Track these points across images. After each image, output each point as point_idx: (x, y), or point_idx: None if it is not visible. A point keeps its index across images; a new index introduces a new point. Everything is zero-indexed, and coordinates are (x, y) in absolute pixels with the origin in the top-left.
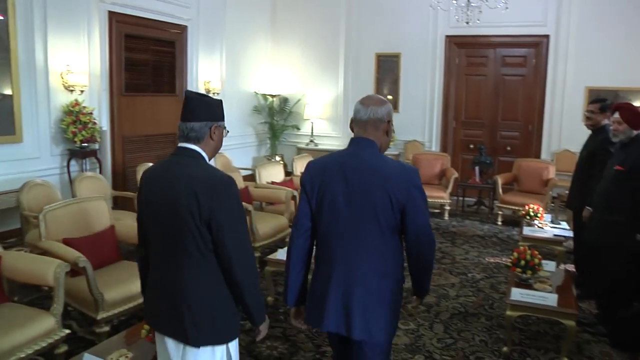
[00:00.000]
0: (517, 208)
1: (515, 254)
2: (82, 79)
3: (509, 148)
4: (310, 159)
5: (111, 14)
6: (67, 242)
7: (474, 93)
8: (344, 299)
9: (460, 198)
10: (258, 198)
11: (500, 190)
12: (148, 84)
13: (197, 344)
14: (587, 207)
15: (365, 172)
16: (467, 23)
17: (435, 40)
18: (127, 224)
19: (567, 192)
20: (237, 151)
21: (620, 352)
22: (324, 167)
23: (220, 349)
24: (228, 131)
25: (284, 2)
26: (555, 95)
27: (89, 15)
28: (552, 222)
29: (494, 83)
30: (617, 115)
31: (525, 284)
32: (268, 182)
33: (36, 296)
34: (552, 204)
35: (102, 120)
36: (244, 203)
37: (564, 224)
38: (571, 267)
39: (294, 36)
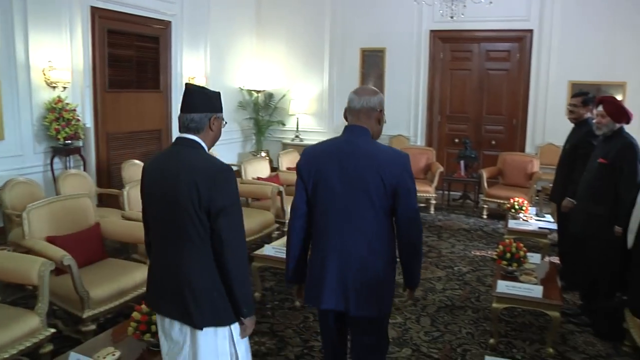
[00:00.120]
0: (502, 201)
1: (501, 247)
2: (64, 75)
3: (493, 142)
4: (296, 154)
5: (93, 9)
6: (51, 240)
7: (458, 87)
8: (340, 278)
9: (446, 192)
10: (244, 194)
11: (486, 184)
12: (132, 80)
13: (201, 326)
14: (568, 198)
15: (359, 157)
16: (452, 17)
17: (420, 35)
18: (113, 221)
19: (551, 185)
20: (222, 147)
21: (603, 342)
22: (319, 153)
23: (222, 331)
24: (226, 122)
25: None
26: (539, 90)
27: (71, 11)
28: (536, 215)
29: (479, 77)
30: (600, 108)
31: (510, 277)
32: (254, 178)
33: (20, 295)
34: (537, 197)
35: (86, 117)
36: None
37: (549, 217)
38: (556, 259)
39: (278, 31)
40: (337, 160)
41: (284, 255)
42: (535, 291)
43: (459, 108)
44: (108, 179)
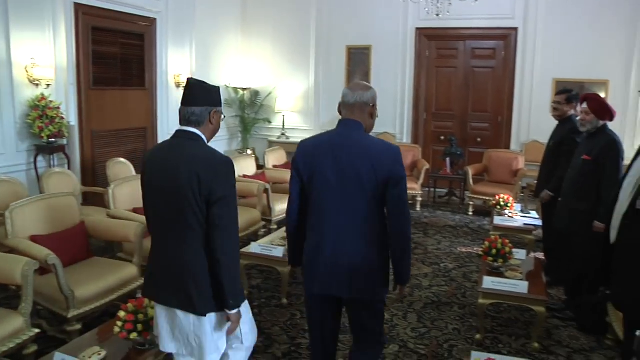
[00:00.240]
0: (487, 198)
1: (487, 243)
2: (48, 72)
3: (479, 139)
4: (282, 152)
5: (77, 6)
6: (35, 239)
7: (444, 85)
8: (334, 264)
9: (432, 189)
10: None
11: (471, 181)
12: (117, 77)
13: (204, 312)
14: (546, 190)
15: (353, 149)
16: (438, 15)
17: (406, 33)
18: (98, 220)
19: (536, 182)
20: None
21: (587, 335)
22: (314, 146)
23: (221, 314)
24: (225, 116)
25: None
26: (523, 87)
27: (54, 7)
28: (522, 211)
29: (464, 75)
30: (585, 105)
31: (496, 273)
32: (240, 176)
33: (3, 296)
34: (522, 194)
35: (70, 115)
36: None
37: (534, 213)
38: (541, 255)
39: (264, 29)
40: (331, 152)
41: (270, 253)
42: (521, 287)
43: (444, 105)
44: (93, 177)
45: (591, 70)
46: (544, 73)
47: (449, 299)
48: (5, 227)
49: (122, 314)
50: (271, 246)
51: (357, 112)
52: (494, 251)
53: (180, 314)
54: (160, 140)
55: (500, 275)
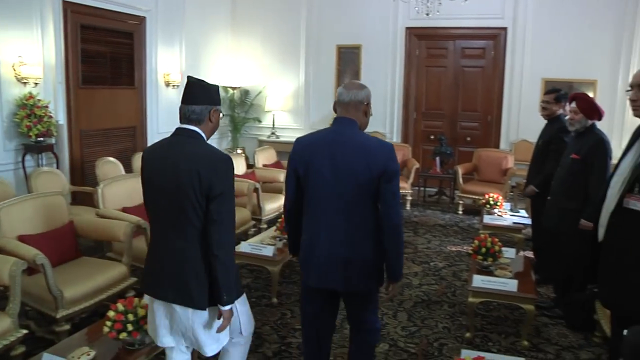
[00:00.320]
0: (477, 197)
1: (476, 242)
2: (36, 70)
3: (468, 138)
4: (272, 151)
5: (66, 4)
6: (23, 239)
7: (434, 84)
8: (331, 258)
9: (422, 188)
10: None
11: (461, 180)
12: (106, 76)
13: (204, 307)
14: (531, 185)
15: (349, 146)
16: (427, 15)
17: (396, 32)
18: (87, 219)
19: (525, 180)
20: None
21: (575, 333)
22: (310, 143)
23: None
24: (224, 114)
25: None
26: (513, 87)
27: (42, 5)
28: (511, 210)
29: (454, 74)
30: (574, 105)
31: (486, 271)
32: None
33: None
34: (511, 193)
35: (59, 114)
36: None
37: (523, 212)
38: (530, 254)
39: (254, 28)
40: (327, 149)
41: (260, 252)
42: (510, 285)
43: (434, 105)
44: (82, 176)
45: (579, 70)
46: (533, 73)
47: (439, 298)
48: None
49: (111, 313)
50: (261, 245)
51: (351, 110)
52: (483, 250)
53: (178, 308)
54: (149, 140)
55: (489, 273)
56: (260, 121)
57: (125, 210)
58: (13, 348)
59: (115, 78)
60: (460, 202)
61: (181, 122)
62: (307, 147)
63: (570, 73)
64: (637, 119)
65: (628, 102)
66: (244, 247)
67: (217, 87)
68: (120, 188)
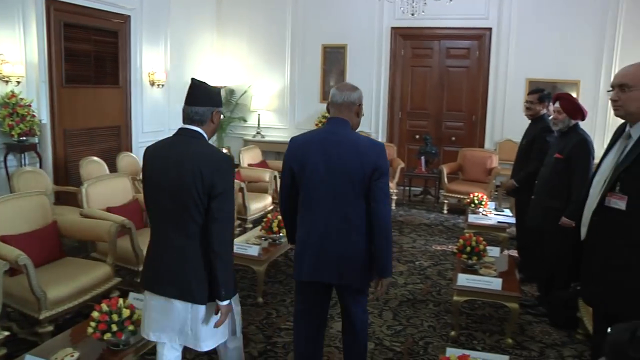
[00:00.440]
0: (462, 196)
1: (461, 241)
2: (18, 69)
3: (453, 138)
4: (257, 150)
5: (48, 2)
6: (5, 239)
7: (419, 84)
8: (325, 252)
9: (407, 188)
10: None
11: (446, 180)
12: (90, 75)
13: (204, 302)
14: (513, 180)
15: (342, 145)
16: (413, 15)
17: (381, 32)
18: (71, 219)
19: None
20: None
21: (559, 331)
22: (305, 142)
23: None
24: (224, 115)
25: None
26: (497, 87)
27: (24, 2)
28: (495, 209)
29: (439, 74)
30: (557, 105)
31: (471, 270)
32: None
33: None
34: (496, 192)
35: (42, 113)
36: None
37: (507, 211)
38: (514, 253)
39: (239, 27)
40: (322, 148)
41: (245, 252)
42: (495, 284)
43: (419, 104)
44: (66, 176)
45: (563, 71)
46: (517, 73)
47: (424, 297)
48: None
49: (95, 314)
50: (246, 245)
51: (344, 111)
52: (468, 249)
53: (178, 303)
54: (134, 139)
55: (474, 272)
56: (245, 120)
57: (109, 210)
58: None
59: (99, 77)
60: (445, 201)
61: (184, 122)
62: (302, 146)
63: (553, 73)
64: (618, 118)
65: (610, 102)
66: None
67: (219, 89)
68: (105, 188)
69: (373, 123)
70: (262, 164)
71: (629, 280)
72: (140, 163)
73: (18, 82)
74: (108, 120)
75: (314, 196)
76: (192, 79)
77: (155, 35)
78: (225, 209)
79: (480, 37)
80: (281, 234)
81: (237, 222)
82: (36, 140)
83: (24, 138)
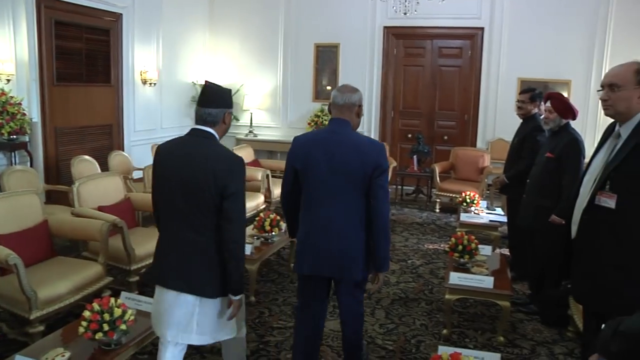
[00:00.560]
0: (454, 195)
1: (453, 240)
2: (8, 67)
3: (445, 137)
4: (250, 149)
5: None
6: None
7: (411, 83)
8: (327, 247)
9: (399, 187)
10: None
11: (438, 179)
12: (81, 73)
13: (215, 296)
14: (504, 176)
15: (344, 145)
16: (405, 14)
17: (374, 31)
18: (62, 218)
19: None
20: None
21: (550, 328)
22: (308, 141)
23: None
24: (234, 117)
25: None
26: (489, 86)
27: (14, 0)
28: (487, 208)
29: (431, 74)
30: (548, 104)
31: (463, 268)
32: None
33: None
34: (488, 191)
35: (32, 111)
36: None
37: (499, 210)
38: (506, 251)
39: (232, 26)
40: (324, 147)
41: None
42: (487, 282)
43: (411, 104)
44: (57, 175)
45: (554, 70)
46: (509, 72)
47: (416, 295)
48: None
49: (87, 313)
50: None
51: (345, 111)
52: (460, 247)
53: (187, 297)
54: (126, 138)
55: (466, 271)
56: (237, 119)
57: (101, 209)
58: None
59: (90, 75)
60: (438, 200)
61: (197, 123)
62: (305, 144)
63: (545, 73)
64: (609, 118)
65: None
66: None
67: (230, 91)
68: (96, 186)
69: (365, 122)
70: (255, 163)
71: (619, 278)
72: (132, 162)
73: (8, 80)
74: (100, 119)
75: (317, 193)
76: (206, 81)
77: (147, 34)
78: (238, 209)
79: (473, 37)
80: (273, 233)
81: None
82: (27, 138)
83: (14, 136)
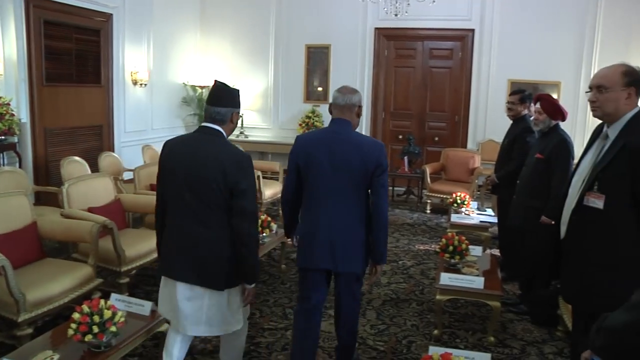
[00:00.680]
0: (444, 196)
1: (444, 241)
2: None
3: (436, 138)
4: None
5: None
6: None
7: (402, 84)
8: (329, 242)
9: (390, 187)
10: None
11: (429, 180)
12: (71, 73)
13: (223, 288)
14: (494, 175)
15: (346, 144)
16: (396, 15)
17: (365, 32)
18: (51, 219)
19: None
20: None
21: (540, 328)
22: (311, 139)
23: (237, 289)
24: (241, 116)
25: None
26: (480, 87)
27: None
28: (478, 209)
29: (422, 75)
30: (538, 105)
31: (453, 269)
32: None
33: None
34: (478, 192)
35: (21, 112)
36: None
37: (489, 211)
38: (496, 252)
39: (223, 27)
40: (327, 146)
41: None
42: (477, 282)
43: (402, 105)
44: (46, 176)
45: (544, 72)
46: (499, 74)
47: (407, 296)
48: None
49: (76, 315)
50: None
51: (346, 112)
52: (450, 248)
53: (198, 290)
54: (117, 139)
55: (457, 271)
56: None
57: (91, 210)
58: None
59: (81, 76)
60: (428, 201)
61: (205, 121)
62: (308, 143)
63: (535, 75)
64: (597, 119)
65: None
66: None
67: (238, 91)
68: (86, 188)
69: None
70: None
71: (607, 278)
72: (123, 163)
73: None
74: (90, 120)
75: (319, 190)
76: (215, 81)
77: (138, 34)
78: (252, 204)
79: (463, 38)
80: (264, 234)
81: None
82: (15, 139)
83: (3, 137)
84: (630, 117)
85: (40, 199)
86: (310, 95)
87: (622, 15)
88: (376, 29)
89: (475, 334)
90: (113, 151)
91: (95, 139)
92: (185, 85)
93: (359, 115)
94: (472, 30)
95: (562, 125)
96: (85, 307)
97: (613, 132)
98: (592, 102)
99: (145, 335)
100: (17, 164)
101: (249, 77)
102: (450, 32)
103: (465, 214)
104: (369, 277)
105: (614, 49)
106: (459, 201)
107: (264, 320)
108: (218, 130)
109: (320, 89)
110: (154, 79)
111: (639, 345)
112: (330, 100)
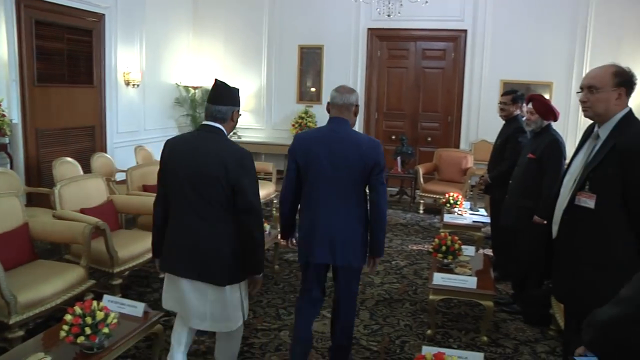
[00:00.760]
0: (437, 196)
1: (437, 241)
2: None
3: (429, 139)
4: None
5: None
6: None
7: (395, 85)
8: (328, 237)
9: None
10: None
11: (422, 180)
12: (63, 74)
13: (225, 284)
14: (487, 175)
15: (345, 142)
16: (389, 16)
17: (358, 33)
18: (43, 221)
19: None
20: (158, 144)
21: (532, 328)
22: (311, 138)
23: (237, 286)
24: (241, 114)
25: None
26: (472, 88)
27: None
28: (471, 209)
29: (415, 75)
30: (530, 106)
31: (446, 269)
32: None
33: None
34: (471, 192)
35: (13, 112)
36: None
37: (482, 211)
38: (489, 252)
39: (216, 27)
40: (326, 144)
41: None
42: (470, 282)
43: (395, 105)
44: (38, 177)
45: (536, 72)
46: (492, 74)
47: (400, 296)
48: None
49: (68, 317)
50: None
51: (344, 111)
52: (443, 248)
53: (201, 285)
54: (109, 140)
55: (450, 271)
56: None
57: (83, 211)
58: None
59: (73, 76)
60: (421, 201)
61: (206, 119)
62: (307, 141)
63: (527, 75)
64: (588, 119)
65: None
66: None
67: (238, 90)
68: (79, 189)
69: None
70: None
71: (598, 277)
72: (115, 164)
73: None
74: (82, 120)
75: (318, 188)
76: (216, 80)
77: (130, 35)
78: (256, 199)
79: (456, 39)
80: None
81: None
82: (7, 140)
83: None
84: (621, 118)
85: (32, 200)
86: (303, 95)
87: (613, 16)
88: (369, 29)
89: (468, 334)
90: (105, 152)
91: (88, 140)
92: (178, 85)
93: (356, 114)
94: (465, 31)
95: (554, 125)
96: (77, 309)
97: (604, 132)
98: (583, 102)
99: (138, 337)
100: (9, 165)
101: (242, 77)
102: (442, 33)
103: (458, 214)
104: (367, 269)
105: (605, 50)
106: (451, 201)
107: (258, 321)
108: (219, 128)
109: (313, 89)
110: (146, 79)
111: (626, 338)
112: (325, 100)
